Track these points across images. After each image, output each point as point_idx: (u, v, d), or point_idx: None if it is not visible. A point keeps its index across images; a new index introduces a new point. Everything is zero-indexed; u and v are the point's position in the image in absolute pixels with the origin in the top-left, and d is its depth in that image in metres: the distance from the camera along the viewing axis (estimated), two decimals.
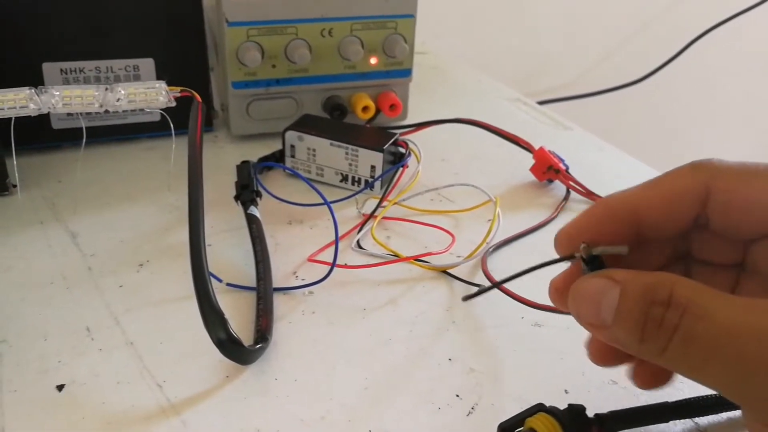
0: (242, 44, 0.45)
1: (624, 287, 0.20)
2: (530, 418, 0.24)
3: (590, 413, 0.25)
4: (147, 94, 0.38)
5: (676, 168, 0.23)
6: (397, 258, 0.35)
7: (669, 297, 0.19)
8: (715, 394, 0.27)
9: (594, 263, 0.22)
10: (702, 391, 0.28)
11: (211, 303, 0.27)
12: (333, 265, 0.33)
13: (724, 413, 0.27)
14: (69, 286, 0.33)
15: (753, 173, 0.22)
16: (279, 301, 0.32)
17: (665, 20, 0.99)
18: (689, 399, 0.27)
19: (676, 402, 0.27)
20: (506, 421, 0.25)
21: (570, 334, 0.31)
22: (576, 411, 0.25)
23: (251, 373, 0.28)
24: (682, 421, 0.27)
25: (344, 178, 0.43)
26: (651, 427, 0.26)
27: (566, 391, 0.28)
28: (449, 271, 0.35)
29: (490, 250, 0.36)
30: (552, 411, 0.24)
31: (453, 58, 0.70)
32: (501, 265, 0.35)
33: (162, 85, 0.38)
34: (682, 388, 0.28)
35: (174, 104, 0.38)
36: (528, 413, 0.25)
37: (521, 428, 0.24)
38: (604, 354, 0.24)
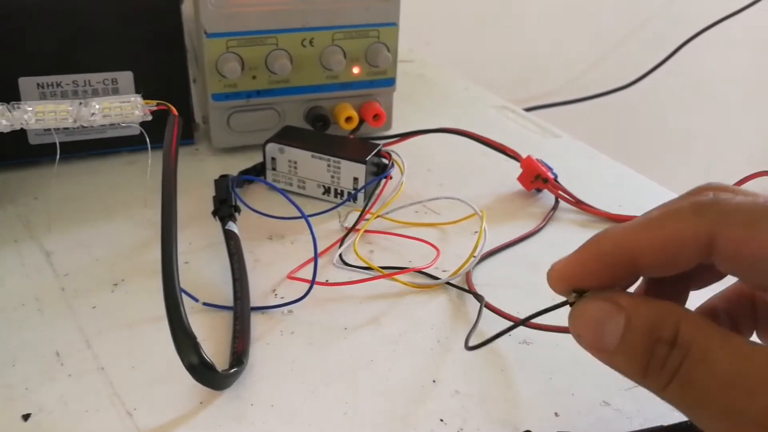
0: (221, 55, 0.44)
1: (629, 317, 0.20)
2: None
3: None
4: (122, 108, 0.37)
5: (677, 207, 0.21)
6: (379, 275, 0.34)
7: (674, 336, 0.19)
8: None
9: None
10: (660, 419, 0.27)
11: (183, 325, 0.26)
12: (312, 282, 0.32)
13: None
14: (41, 307, 0.32)
15: (764, 217, 0.19)
16: (257, 321, 0.31)
17: (652, 26, 0.99)
18: (684, 423, 0.26)
19: (671, 426, 0.26)
20: None
21: (559, 352, 0.30)
22: None
23: (226, 399, 0.27)
24: None
25: (326, 191, 0.42)
26: None
27: (556, 414, 0.27)
28: (441, 285, 0.34)
29: (474, 263, 0.35)
30: None
31: (440, 65, 0.69)
32: (488, 277, 0.35)
33: (137, 98, 0.37)
34: (631, 415, 0.27)
35: (150, 118, 0.37)
36: None
37: None
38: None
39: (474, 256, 0.35)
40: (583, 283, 0.22)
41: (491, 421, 0.26)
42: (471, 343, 0.29)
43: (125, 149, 0.47)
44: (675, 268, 0.21)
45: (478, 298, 0.32)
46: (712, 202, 0.20)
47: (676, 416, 0.26)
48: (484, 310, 0.32)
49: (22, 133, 0.45)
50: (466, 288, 0.34)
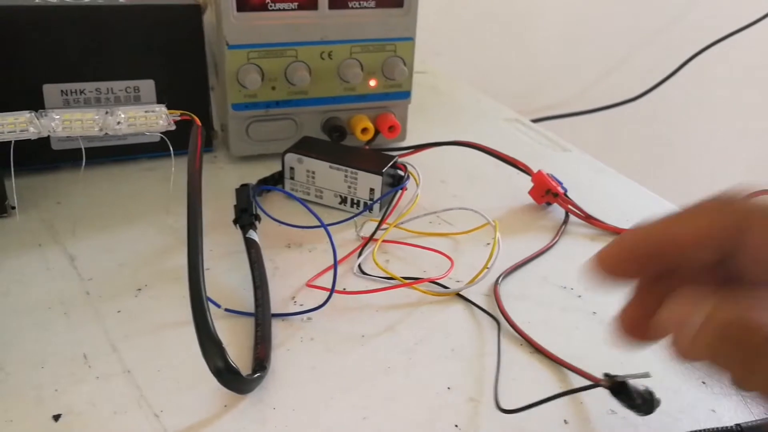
0: (242, 66, 0.45)
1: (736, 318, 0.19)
2: None
3: None
4: (147, 117, 0.38)
5: (708, 201, 0.21)
6: (399, 283, 0.35)
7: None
8: (712, 428, 0.27)
9: (620, 389, 0.25)
10: (701, 421, 0.28)
11: (209, 332, 0.27)
12: (332, 291, 0.33)
13: None
14: (67, 311, 0.33)
15: None
16: (277, 328, 0.32)
17: (662, 39, 1.00)
18: None
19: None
20: None
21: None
22: None
23: (249, 403, 0.28)
24: None
25: (343, 200, 0.43)
26: None
27: (566, 422, 0.28)
28: (461, 293, 0.35)
29: (501, 278, 0.36)
30: None
31: (452, 77, 0.71)
32: (506, 293, 0.35)
33: (162, 108, 0.38)
34: (681, 418, 0.28)
35: (174, 128, 0.38)
36: None
37: None
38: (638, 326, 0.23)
39: (488, 267, 0.36)
40: (617, 272, 0.22)
41: (505, 428, 0.27)
42: (502, 401, 0.28)
43: (144, 156, 0.48)
44: (702, 260, 0.21)
45: (496, 320, 0.33)
46: (741, 199, 0.20)
47: (681, 426, 0.27)
48: (494, 323, 0.33)
49: (45, 138, 0.46)
50: (477, 304, 0.34)
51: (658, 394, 0.26)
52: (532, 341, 0.31)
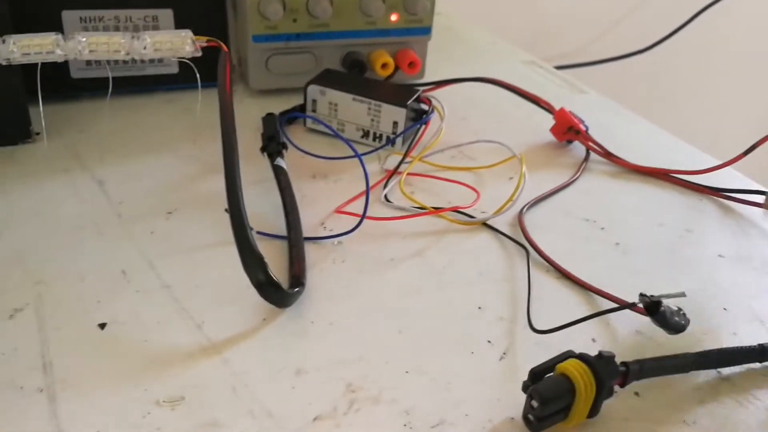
0: None
1: None
2: (561, 363, 0.25)
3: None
4: (173, 42, 0.38)
5: None
6: (427, 210, 0.35)
7: None
8: (735, 347, 0.28)
9: (655, 309, 0.25)
10: (723, 343, 0.29)
11: (250, 246, 0.27)
12: (363, 215, 0.33)
13: (746, 364, 0.28)
14: (100, 231, 0.33)
15: None
16: (309, 250, 0.33)
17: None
18: (711, 350, 0.28)
19: (699, 353, 0.27)
20: (538, 366, 0.26)
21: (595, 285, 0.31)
22: (606, 358, 0.25)
23: (287, 317, 0.28)
24: (704, 371, 0.27)
25: (365, 134, 0.43)
26: (676, 376, 0.27)
27: (593, 340, 0.29)
28: (487, 222, 0.35)
29: (525, 208, 0.36)
30: (582, 357, 0.25)
31: (466, 19, 0.70)
32: (531, 224, 0.36)
33: (188, 33, 0.38)
34: (704, 339, 0.29)
35: (200, 54, 0.37)
36: (559, 359, 0.25)
37: (552, 374, 0.25)
38: None
39: (513, 199, 0.36)
40: None
41: (534, 344, 0.28)
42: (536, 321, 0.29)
43: (162, 87, 0.48)
44: None
45: (523, 246, 0.34)
46: None
47: (702, 346, 0.28)
48: (522, 250, 0.33)
49: (64, 66, 0.46)
50: (504, 232, 0.35)
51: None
52: (559, 267, 0.32)
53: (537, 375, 0.25)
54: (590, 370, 0.24)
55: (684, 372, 0.27)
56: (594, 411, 0.24)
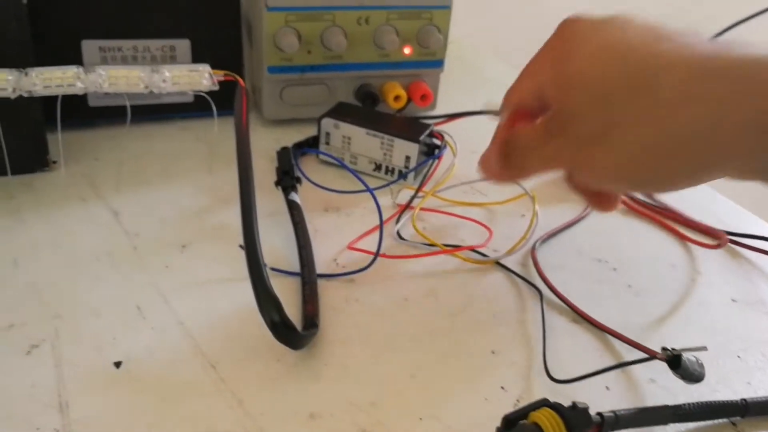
0: (280, 29, 0.45)
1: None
2: (534, 412, 0.25)
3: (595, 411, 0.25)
4: (191, 77, 0.38)
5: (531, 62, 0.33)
6: (441, 250, 0.35)
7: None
8: (718, 401, 0.27)
9: (677, 362, 0.27)
10: (738, 393, 0.29)
11: (266, 286, 0.27)
12: (377, 254, 0.34)
13: (720, 419, 0.27)
14: (115, 264, 0.33)
15: None
16: (321, 288, 0.33)
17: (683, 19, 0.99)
18: (692, 403, 0.27)
19: (676, 406, 0.27)
20: (511, 413, 0.25)
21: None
22: (580, 410, 0.25)
23: (301, 358, 0.29)
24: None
25: (377, 167, 0.43)
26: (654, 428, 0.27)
27: (607, 388, 0.29)
28: (500, 262, 0.36)
29: (538, 243, 0.37)
30: (555, 407, 0.25)
31: (476, 47, 0.70)
32: (542, 263, 0.36)
33: (206, 67, 0.38)
34: (719, 389, 0.29)
35: (217, 87, 0.38)
36: (532, 407, 0.25)
37: (525, 421, 0.25)
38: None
39: (527, 238, 0.36)
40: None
41: (548, 390, 0.28)
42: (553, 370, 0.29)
43: (178, 116, 0.48)
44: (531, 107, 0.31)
45: (537, 288, 0.34)
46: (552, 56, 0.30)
47: (679, 399, 0.28)
48: (534, 290, 0.33)
49: (82, 95, 0.46)
50: (517, 272, 0.35)
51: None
52: (576, 309, 0.32)
53: (510, 422, 0.25)
54: (562, 421, 0.24)
55: (662, 424, 0.27)
56: None
